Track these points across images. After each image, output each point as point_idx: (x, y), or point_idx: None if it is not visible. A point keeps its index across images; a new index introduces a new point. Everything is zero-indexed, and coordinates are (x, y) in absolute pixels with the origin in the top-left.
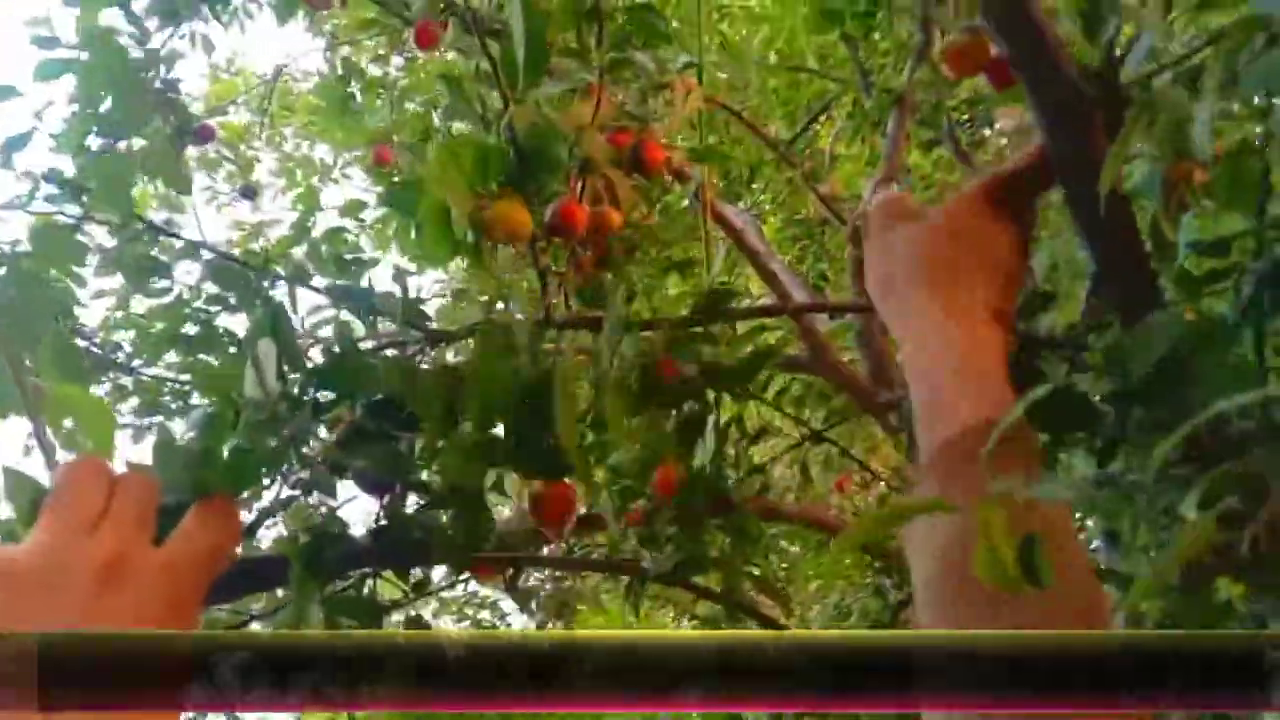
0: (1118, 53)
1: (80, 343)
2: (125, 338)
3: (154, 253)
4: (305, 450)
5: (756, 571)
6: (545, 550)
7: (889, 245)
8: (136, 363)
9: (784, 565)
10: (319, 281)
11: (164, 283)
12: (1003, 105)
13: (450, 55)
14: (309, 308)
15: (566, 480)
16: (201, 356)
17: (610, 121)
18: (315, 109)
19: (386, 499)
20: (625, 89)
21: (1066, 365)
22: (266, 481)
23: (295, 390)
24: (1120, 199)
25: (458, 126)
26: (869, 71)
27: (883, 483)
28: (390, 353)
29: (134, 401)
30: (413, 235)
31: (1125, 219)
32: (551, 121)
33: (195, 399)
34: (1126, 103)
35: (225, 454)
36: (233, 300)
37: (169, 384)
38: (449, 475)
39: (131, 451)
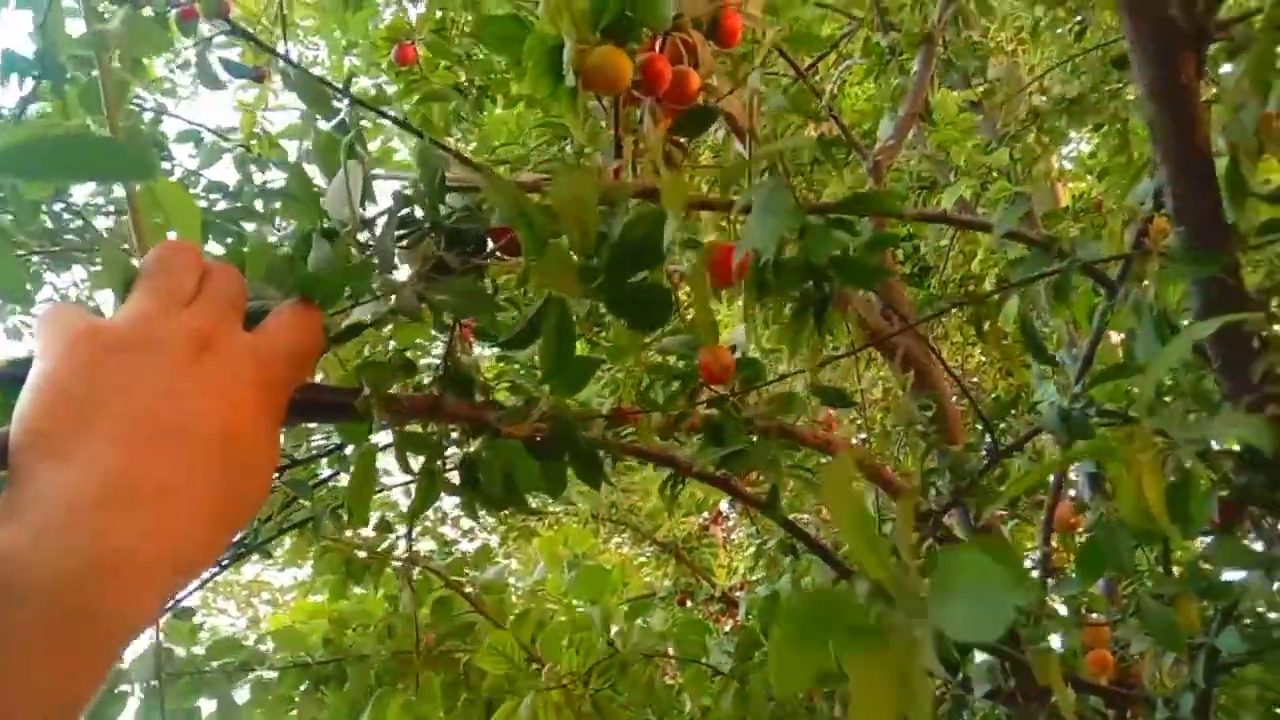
0: None
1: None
2: (106, 225)
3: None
4: (387, 276)
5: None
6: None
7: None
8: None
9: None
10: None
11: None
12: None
13: None
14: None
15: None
16: None
17: None
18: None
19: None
20: None
21: None
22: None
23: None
24: (1203, 137)
25: None
26: (885, 10)
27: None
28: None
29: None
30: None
31: (1206, 155)
32: None
33: None
34: (1212, 42)
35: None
36: (231, 188)
37: None
38: (546, 287)
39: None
